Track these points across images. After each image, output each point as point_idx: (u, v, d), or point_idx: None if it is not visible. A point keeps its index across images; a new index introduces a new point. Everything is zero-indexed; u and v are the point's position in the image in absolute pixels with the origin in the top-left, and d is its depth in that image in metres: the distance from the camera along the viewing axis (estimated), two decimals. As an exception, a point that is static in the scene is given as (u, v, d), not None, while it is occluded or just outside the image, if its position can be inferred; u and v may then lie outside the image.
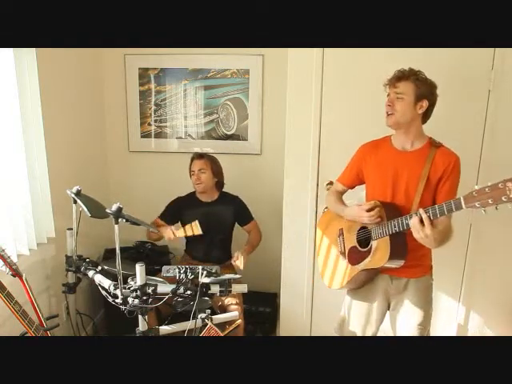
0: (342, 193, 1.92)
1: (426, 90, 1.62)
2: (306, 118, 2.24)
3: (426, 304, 1.74)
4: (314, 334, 2.50)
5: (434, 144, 1.66)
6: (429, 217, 1.44)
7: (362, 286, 1.79)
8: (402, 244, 1.61)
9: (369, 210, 1.64)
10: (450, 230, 1.58)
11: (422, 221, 1.46)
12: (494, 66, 2.03)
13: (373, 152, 1.77)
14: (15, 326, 1.60)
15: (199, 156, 2.54)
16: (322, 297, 2.44)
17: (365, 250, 1.70)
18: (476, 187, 1.31)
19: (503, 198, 1.24)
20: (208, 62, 2.82)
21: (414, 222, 1.48)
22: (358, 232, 1.75)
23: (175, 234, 2.34)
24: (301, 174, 2.32)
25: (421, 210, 1.46)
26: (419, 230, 1.46)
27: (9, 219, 1.87)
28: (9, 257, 1.63)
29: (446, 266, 2.27)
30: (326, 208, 1.92)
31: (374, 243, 1.66)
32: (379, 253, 1.64)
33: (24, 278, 1.68)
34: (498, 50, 2.01)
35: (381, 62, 2.11)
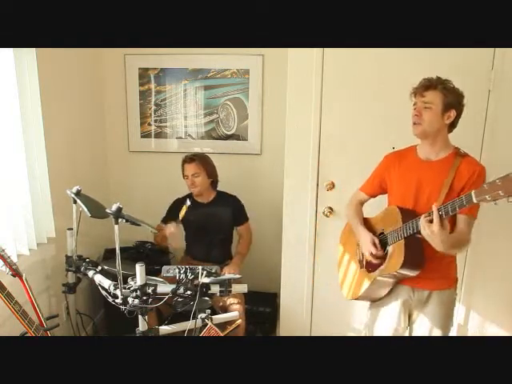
0: (363, 202, 1.91)
1: (453, 100, 1.59)
2: (306, 118, 2.24)
3: (447, 319, 1.70)
4: (314, 334, 2.50)
5: (459, 154, 1.63)
6: (440, 215, 1.41)
7: (380, 297, 1.76)
8: (417, 249, 1.57)
9: (373, 245, 1.66)
10: (464, 238, 1.54)
11: (431, 221, 1.43)
12: (494, 65, 2.03)
13: (397, 162, 1.75)
14: (15, 326, 1.60)
15: (190, 159, 2.47)
16: (321, 297, 2.44)
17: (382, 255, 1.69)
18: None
19: None
20: (208, 62, 2.82)
21: (422, 218, 1.46)
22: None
23: (174, 226, 2.31)
24: (301, 174, 2.32)
25: (433, 207, 1.43)
26: (425, 226, 1.44)
27: (9, 219, 1.87)
28: (9, 257, 1.63)
29: (446, 266, 2.27)
30: (326, 207, 1.92)
31: (389, 248, 1.65)
32: (394, 257, 1.62)
33: (24, 278, 1.68)
34: (497, 49, 2.01)
35: (381, 62, 2.11)
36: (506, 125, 2.07)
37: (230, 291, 1.57)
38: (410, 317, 1.76)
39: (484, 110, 2.08)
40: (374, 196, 1.89)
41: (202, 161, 2.49)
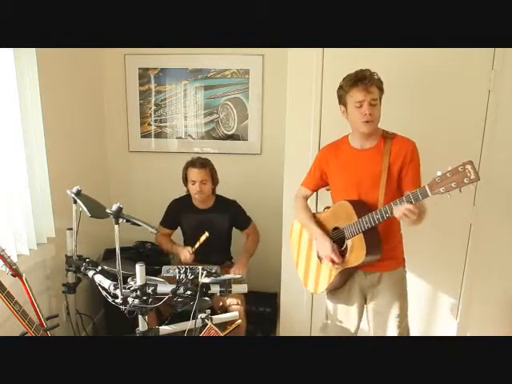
0: (307, 197, 1.94)
1: (382, 86, 1.65)
2: (306, 118, 2.24)
3: (401, 296, 1.76)
4: (314, 333, 2.50)
5: (388, 136, 1.68)
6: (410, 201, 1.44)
7: (343, 284, 1.81)
8: (375, 239, 1.64)
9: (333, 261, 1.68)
10: (424, 206, 1.57)
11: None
12: (493, 65, 2.03)
13: (333, 154, 1.79)
14: (15, 326, 1.60)
15: (201, 165, 2.36)
16: (321, 297, 2.43)
17: (340, 249, 1.72)
18: (438, 173, 1.35)
19: (465, 180, 1.30)
20: (208, 62, 2.82)
21: (400, 207, 1.45)
22: (332, 233, 1.76)
23: (190, 252, 2.31)
24: (301, 173, 2.31)
25: (406, 192, 1.47)
26: (408, 213, 1.44)
27: (9, 219, 1.87)
28: (9, 257, 1.63)
29: (446, 266, 2.27)
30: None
31: (348, 242, 1.68)
32: (355, 251, 1.66)
33: (24, 278, 1.68)
34: (497, 49, 2.01)
35: (380, 62, 2.11)
36: (506, 125, 2.07)
37: (230, 291, 1.57)
38: (365, 298, 1.82)
39: (484, 109, 2.08)
40: (316, 190, 1.94)
41: (210, 167, 2.41)
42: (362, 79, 1.60)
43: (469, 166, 1.29)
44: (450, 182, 1.33)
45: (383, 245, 1.66)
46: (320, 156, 1.87)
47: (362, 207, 1.65)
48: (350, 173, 1.71)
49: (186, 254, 2.32)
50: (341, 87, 1.68)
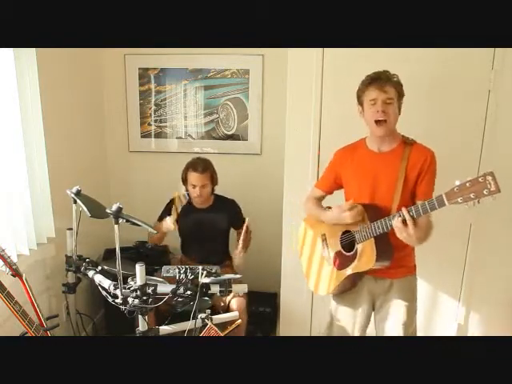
0: (320, 199, 1.91)
1: (401, 89, 1.63)
2: (306, 118, 2.24)
3: (410, 303, 1.73)
4: (314, 334, 2.50)
5: (407, 142, 1.66)
6: (412, 216, 1.44)
7: (349, 289, 1.79)
8: (386, 244, 1.61)
9: (349, 210, 1.63)
10: (430, 226, 1.57)
11: (404, 221, 1.46)
12: (493, 65, 2.03)
13: (349, 156, 1.76)
14: (15, 326, 1.60)
15: (203, 170, 2.34)
16: (321, 297, 2.43)
17: (350, 253, 1.70)
18: (457, 182, 1.32)
19: (485, 192, 1.28)
20: (208, 62, 2.82)
21: (396, 223, 1.47)
22: (341, 237, 1.74)
23: (171, 222, 2.29)
24: (301, 173, 2.32)
25: (403, 210, 1.45)
26: (402, 230, 1.46)
27: (9, 219, 1.87)
28: (9, 257, 1.63)
29: (446, 266, 2.27)
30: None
31: (359, 246, 1.66)
32: (365, 255, 1.63)
33: (24, 278, 1.68)
34: (497, 49, 2.01)
35: (381, 62, 2.11)
36: (506, 125, 2.07)
37: (230, 291, 1.57)
38: (373, 305, 1.79)
39: (484, 109, 2.08)
40: (331, 192, 1.89)
41: (210, 170, 2.39)
42: (377, 78, 1.60)
43: (489, 177, 1.26)
44: (469, 193, 1.29)
45: (395, 253, 1.62)
46: (335, 158, 1.85)
47: (374, 211, 1.62)
48: (366, 176, 1.68)
49: (170, 224, 2.31)
50: (359, 88, 1.68)
